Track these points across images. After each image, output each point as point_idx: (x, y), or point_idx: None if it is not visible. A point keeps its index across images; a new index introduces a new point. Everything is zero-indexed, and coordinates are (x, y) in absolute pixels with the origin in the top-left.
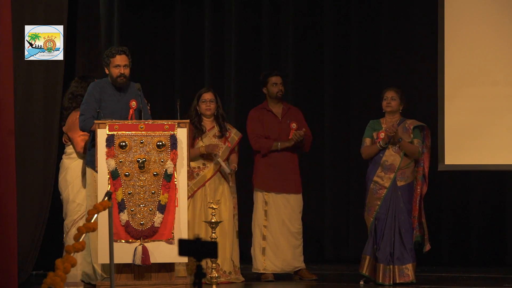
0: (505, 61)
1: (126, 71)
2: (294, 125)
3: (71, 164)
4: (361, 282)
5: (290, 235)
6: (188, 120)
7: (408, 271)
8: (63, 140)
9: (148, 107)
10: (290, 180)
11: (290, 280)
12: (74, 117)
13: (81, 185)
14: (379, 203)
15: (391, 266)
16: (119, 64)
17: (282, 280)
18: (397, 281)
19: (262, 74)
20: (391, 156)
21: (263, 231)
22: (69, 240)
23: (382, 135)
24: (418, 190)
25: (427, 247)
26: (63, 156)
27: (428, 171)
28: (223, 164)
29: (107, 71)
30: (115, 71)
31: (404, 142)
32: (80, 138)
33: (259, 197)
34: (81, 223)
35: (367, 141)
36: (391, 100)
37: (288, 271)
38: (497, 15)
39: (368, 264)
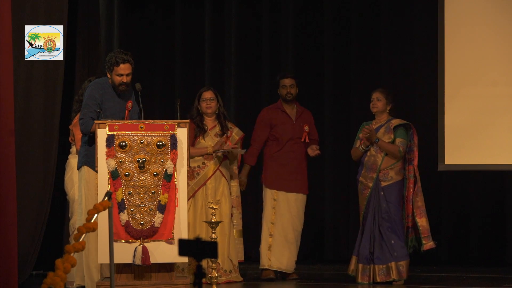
0: (505, 61)
1: (128, 79)
2: (307, 128)
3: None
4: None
5: (297, 234)
6: (188, 120)
7: (390, 270)
8: (69, 139)
9: (140, 108)
10: (299, 179)
11: (289, 280)
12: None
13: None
14: (365, 203)
15: (371, 266)
16: (122, 73)
17: (282, 280)
18: (377, 280)
19: (278, 76)
20: (372, 157)
21: (270, 228)
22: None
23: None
24: (411, 188)
25: (426, 246)
26: (70, 156)
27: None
28: (234, 151)
29: (108, 75)
30: (118, 79)
31: (382, 142)
32: (80, 138)
33: (268, 194)
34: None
35: (357, 143)
36: (376, 101)
37: (287, 271)
38: (497, 15)
39: (354, 264)
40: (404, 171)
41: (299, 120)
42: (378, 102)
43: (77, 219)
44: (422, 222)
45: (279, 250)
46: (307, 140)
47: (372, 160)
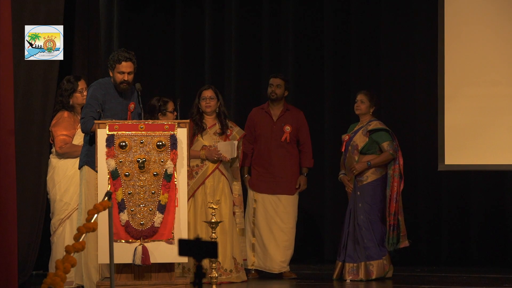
0: (505, 61)
1: (130, 78)
2: (287, 128)
3: (58, 163)
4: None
5: (282, 234)
6: (188, 120)
7: (360, 269)
8: (50, 140)
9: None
10: (282, 182)
11: (281, 279)
12: (59, 116)
13: (69, 184)
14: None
15: (342, 263)
16: (124, 71)
17: (276, 279)
18: (345, 278)
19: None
20: (349, 158)
21: (252, 227)
22: (56, 239)
23: (346, 137)
24: (395, 187)
25: (403, 244)
26: (51, 156)
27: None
28: (224, 156)
29: (111, 74)
30: (119, 77)
31: (373, 162)
32: (60, 138)
33: (250, 195)
34: (68, 222)
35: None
36: (360, 103)
37: (272, 271)
38: (497, 15)
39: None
40: (388, 170)
41: (281, 120)
42: (362, 104)
43: (76, 219)
44: (402, 220)
45: (261, 250)
46: (288, 140)
47: (349, 162)
